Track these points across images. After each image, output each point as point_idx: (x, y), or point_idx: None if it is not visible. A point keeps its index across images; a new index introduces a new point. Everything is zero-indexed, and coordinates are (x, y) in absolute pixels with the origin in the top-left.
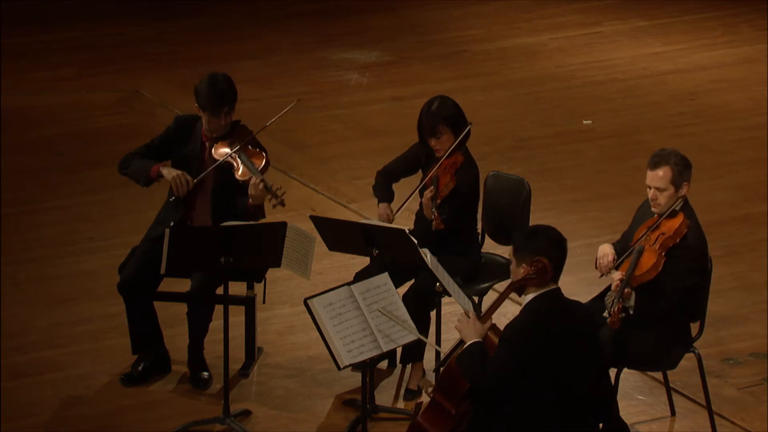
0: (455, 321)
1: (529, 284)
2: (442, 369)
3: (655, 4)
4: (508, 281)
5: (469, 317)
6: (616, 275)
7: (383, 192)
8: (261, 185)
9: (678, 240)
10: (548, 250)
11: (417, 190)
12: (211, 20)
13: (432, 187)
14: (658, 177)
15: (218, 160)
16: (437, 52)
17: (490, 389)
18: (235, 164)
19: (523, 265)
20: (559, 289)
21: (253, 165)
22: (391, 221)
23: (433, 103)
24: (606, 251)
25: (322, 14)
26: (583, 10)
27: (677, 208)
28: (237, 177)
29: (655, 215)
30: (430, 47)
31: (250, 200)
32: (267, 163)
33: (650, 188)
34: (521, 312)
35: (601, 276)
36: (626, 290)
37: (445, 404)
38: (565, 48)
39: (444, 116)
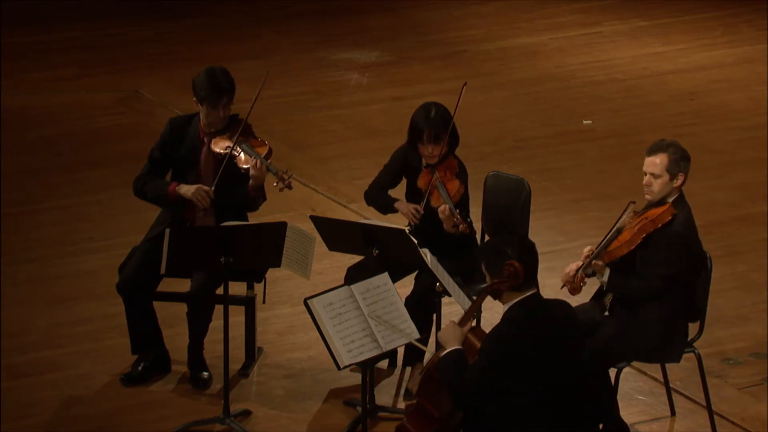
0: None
1: (503, 287)
2: (423, 373)
3: (655, 4)
4: None
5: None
6: (587, 248)
7: (386, 198)
8: (262, 166)
9: (659, 225)
10: (517, 254)
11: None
12: (211, 20)
13: (446, 205)
14: (654, 163)
15: (218, 154)
16: (437, 52)
17: (466, 397)
18: (237, 155)
19: (496, 274)
20: (536, 293)
21: (256, 153)
22: (420, 211)
23: (431, 111)
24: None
25: (322, 14)
26: (583, 10)
27: (669, 200)
28: (240, 165)
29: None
30: (430, 47)
31: (251, 181)
32: (270, 151)
33: (646, 174)
34: (500, 321)
35: (562, 287)
36: (599, 262)
37: (428, 407)
38: (565, 48)
39: (446, 121)
